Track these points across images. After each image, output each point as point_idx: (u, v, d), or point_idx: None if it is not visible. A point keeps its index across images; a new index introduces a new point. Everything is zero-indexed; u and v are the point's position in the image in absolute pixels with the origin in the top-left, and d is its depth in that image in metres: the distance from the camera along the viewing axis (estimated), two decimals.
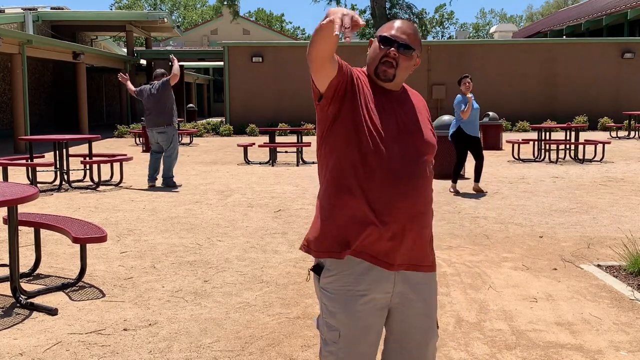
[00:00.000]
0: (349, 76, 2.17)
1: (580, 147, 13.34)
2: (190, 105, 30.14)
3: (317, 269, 2.22)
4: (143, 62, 29.89)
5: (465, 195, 8.93)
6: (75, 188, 9.92)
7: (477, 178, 9.12)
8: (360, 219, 2.14)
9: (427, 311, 2.30)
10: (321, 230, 2.21)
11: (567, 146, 13.39)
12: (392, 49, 2.21)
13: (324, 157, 2.23)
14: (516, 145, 13.63)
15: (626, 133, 19.94)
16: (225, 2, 37.02)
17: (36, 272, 5.17)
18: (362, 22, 1.90)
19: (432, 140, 2.27)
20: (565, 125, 13.73)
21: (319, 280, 2.23)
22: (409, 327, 2.27)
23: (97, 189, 9.80)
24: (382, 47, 2.24)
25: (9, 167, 10.43)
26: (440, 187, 9.57)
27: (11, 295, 4.39)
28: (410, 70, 2.27)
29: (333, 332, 2.20)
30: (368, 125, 2.14)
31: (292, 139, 19.20)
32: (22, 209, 7.25)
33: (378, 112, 2.18)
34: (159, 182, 10.09)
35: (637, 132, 19.61)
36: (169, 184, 9.95)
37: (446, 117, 11.14)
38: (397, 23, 2.27)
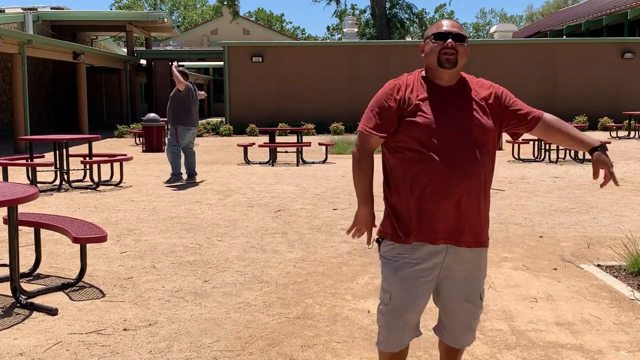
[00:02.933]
0: (396, 120, 2.60)
1: None
2: None
3: (379, 240, 2.70)
4: (143, 62, 29.88)
5: None
6: (75, 188, 9.92)
7: None
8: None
9: (463, 286, 2.65)
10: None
11: None
12: (450, 40, 2.54)
13: (386, 158, 2.66)
14: (516, 145, 13.63)
15: (626, 133, 19.94)
16: (225, 2, 37.04)
17: (36, 272, 5.17)
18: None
19: (482, 128, 2.57)
20: None
21: (379, 250, 2.71)
22: (451, 300, 2.67)
23: (97, 189, 9.80)
24: (438, 41, 2.57)
25: (9, 167, 10.43)
26: None
27: (11, 295, 4.39)
28: (466, 57, 2.59)
29: (385, 295, 2.63)
30: (419, 124, 2.51)
31: (292, 139, 19.19)
32: (22, 209, 7.25)
33: (431, 110, 2.54)
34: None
35: (637, 132, 19.61)
36: (194, 177, 10.49)
37: None
38: (445, 21, 2.62)
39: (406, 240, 2.56)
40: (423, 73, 2.66)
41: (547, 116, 2.74)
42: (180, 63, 10.46)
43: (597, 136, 18.66)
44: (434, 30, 2.60)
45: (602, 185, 2.65)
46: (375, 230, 2.75)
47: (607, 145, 13.79)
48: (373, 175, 2.68)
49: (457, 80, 2.62)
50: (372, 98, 2.75)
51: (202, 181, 10.57)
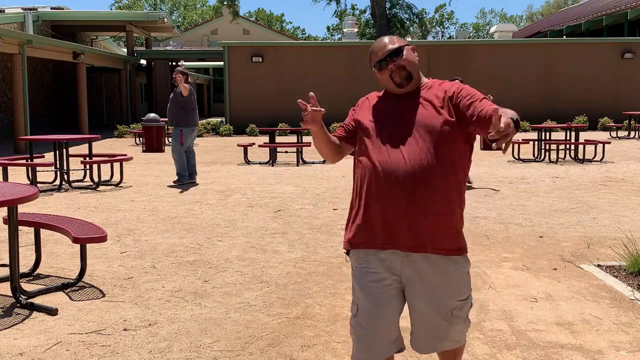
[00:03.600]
0: (356, 129, 2.64)
1: (580, 147, 13.34)
2: None
3: (348, 253, 2.67)
4: (143, 62, 29.89)
5: (465, 195, 8.92)
6: (75, 188, 9.92)
7: None
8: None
9: (431, 297, 2.51)
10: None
11: (567, 146, 13.39)
12: (389, 66, 2.52)
13: (354, 169, 2.66)
14: (516, 145, 13.63)
15: (626, 133, 19.94)
16: (225, 2, 37.00)
17: (36, 272, 5.17)
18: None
19: (434, 129, 2.46)
20: (565, 125, 13.71)
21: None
22: (413, 308, 2.57)
23: (97, 189, 9.80)
24: (382, 70, 2.56)
25: (9, 167, 10.43)
26: None
27: (11, 295, 4.39)
28: (416, 60, 2.56)
29: (354, 306, 2.59)
30: (372, 137, 2.53)
31: (292, 139, 19.20)
32: (22, 209, 7.25)
33: (382, 121, 2.56)
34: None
35: (637, 132, 19.60)
36: (194, 177, 10.55)
37: None
38: (376, 46, 2.58)
39: (358, 247, 2.55)
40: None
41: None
42: (182, 63, 10.46)
43: (597, 136, 18.66)
44: (373, 61, 2.59)
45: (491, 139, 2.11)
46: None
47: (607, 145, 13.75)
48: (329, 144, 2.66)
49: (417, 87, 2.59)
50: None
51: (202, 181, 10.57)
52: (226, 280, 4.94)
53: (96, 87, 31.49)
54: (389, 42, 2.56)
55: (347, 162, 13.17)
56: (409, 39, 38.97)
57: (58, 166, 9.97)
